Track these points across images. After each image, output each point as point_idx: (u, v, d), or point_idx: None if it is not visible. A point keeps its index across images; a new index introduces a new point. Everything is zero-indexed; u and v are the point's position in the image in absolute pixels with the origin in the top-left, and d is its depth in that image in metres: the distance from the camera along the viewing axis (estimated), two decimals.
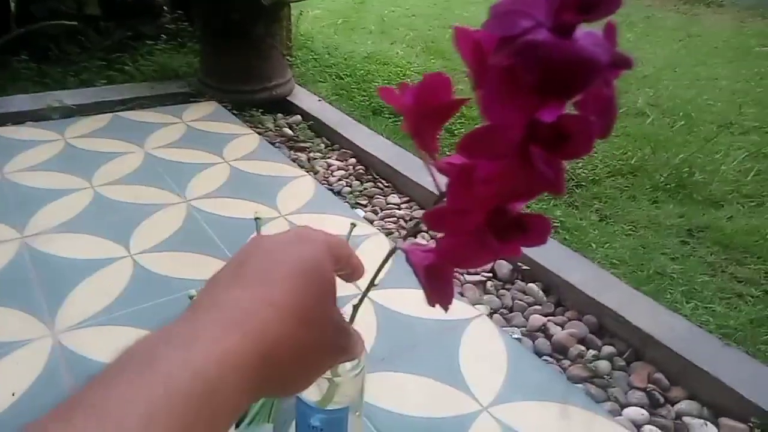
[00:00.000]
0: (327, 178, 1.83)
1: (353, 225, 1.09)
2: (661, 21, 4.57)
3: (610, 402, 1.07)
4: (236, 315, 0.27)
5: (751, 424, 1.00)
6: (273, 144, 1.92)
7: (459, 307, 1.16)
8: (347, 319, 0.36)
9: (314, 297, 0.29)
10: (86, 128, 1.82)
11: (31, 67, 2.22)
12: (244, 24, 2.05)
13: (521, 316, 1.27)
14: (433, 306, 0.31)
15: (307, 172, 1.72)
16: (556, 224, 1.62)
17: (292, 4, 2.35)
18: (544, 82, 0.20)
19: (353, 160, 1.93)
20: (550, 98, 0.21)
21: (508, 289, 1.35)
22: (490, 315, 1.25)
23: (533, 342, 1.20)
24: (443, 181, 0.26)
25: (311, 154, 1.96)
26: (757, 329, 1.27)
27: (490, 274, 1.39)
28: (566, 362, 1.16)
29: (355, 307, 0.38)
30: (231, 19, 2.01)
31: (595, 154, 2.07)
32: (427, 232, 1.55)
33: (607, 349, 1.18)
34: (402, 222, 1.60)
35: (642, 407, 1.06)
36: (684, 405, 1.07)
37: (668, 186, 1.87)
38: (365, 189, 1.76)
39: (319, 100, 2.30)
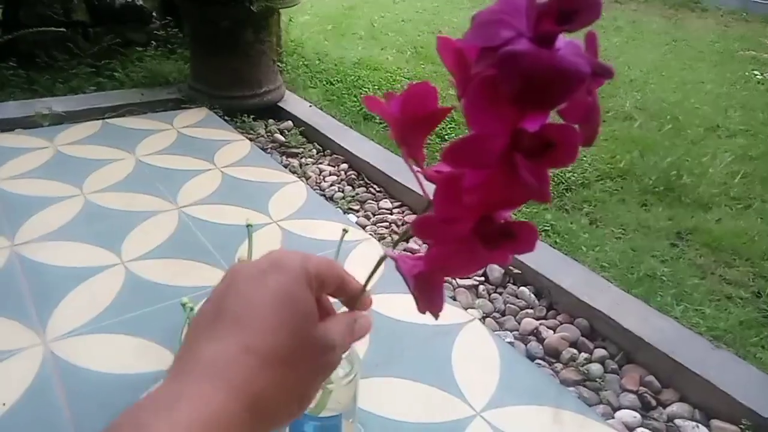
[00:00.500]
0: (319, 183, 1.83)
1: (345, 231, 1.09)
2: (647, 25, 4.63)
3: (603, 405, 1.08)
4: (218, 370, 0.27)
5: (742, 426, 1.02)
6: (264, 150, 1.92)
7: (451, 312, 1.16)
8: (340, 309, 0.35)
9: (293, 331, 0.29)
10: (76, 135, 1.81)
11: (19, 74, 2.21)
12: (233, 30, 2.05)
13: (513, 320, 1.28)
14: (424, 313, 0.31)
15: (299, 177, 1.72)
16: (546, 228, 1.63)
17: (281, 10, 2.35)
18: (525, 92, 0.20)
19: (345, 165, 1.93)
20: (532, 108, 0.21)
21: (500, 293, 1.36)
22: (483, 319, 1.26)
23: (525, 346, 1.21)
24: (431, 189, 0.26)
25: (303, 160, 1.96)
26: (747, 331, 1.28)
27: (482, 278, 1.40)
28: (558, 366, 1.17)
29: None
30: (220, 26, 2.01)
31: (584, 158, 2.09)
32: None
33: (599, 352, 1.19)
34: (394, 227, 1.60)
35: (634, 410, 1.07)
36: (675, 407, 1.08)
37: (657, 189, 1.89)
38: (357, 194, 1.76)
39: (310, 106, 2.30)
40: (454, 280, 1.38)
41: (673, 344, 1.15)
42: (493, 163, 0.22)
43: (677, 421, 1.05)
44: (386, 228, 1.60)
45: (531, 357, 1.17)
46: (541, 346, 1.21)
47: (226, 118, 2.07)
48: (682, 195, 1.87)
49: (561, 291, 1.30)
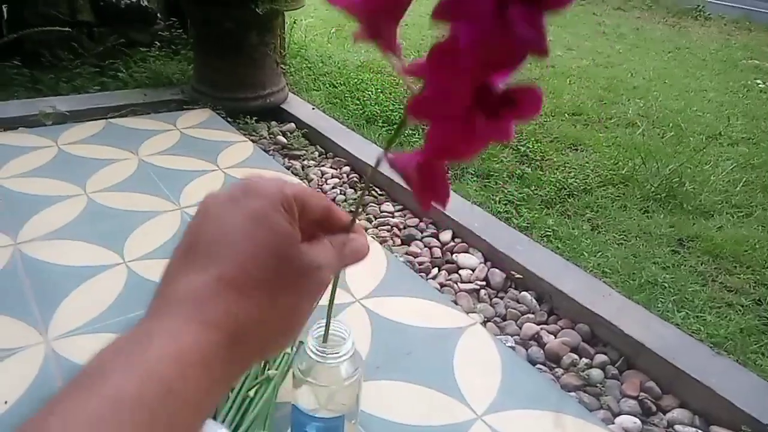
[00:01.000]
0: (321, 186, 1.83)
1: None
2: (650, 33, 4.64)
3: (603, 410, 1.08)
4: (192, 305, 0.25)
5: None
6: (267, 152, 1.93)
7: (453, 316, 1.17)
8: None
9: (270, 255, 0.27)
10: (80, 135, 1.81)
11: (23, 73, 2.22)
12: (238, 32, 2.06)
13: (515, 325, 1.28)
14: (429, 209, 0.29)
15: (301, 179, 1.73)
16: (548, 233, 1.64)
17: (285, 13, 2.36)
18: None
19: (347, 168, 1.93)
20: None
21: (501, 298, 1.36)
22: (484, 323, 1.26)
23: (527, 350, 1.21)
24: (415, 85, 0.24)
25: (305, 162, 1.96)
26: (747, 338, 1.28)
27: (484, 283, 1.40)
28: (559, 370, 1.17)
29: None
30: (225, 28, 2.02)
31: (587, 164, 2.09)
32: (421, 240, 1.55)
33: (600, 358, 1.19)
34: (396, 230, 1.60)
35: (634, 416, 1.07)
36: (676, 413, 1.08)
37: (659, 196, 1.89)
38: (359, 197, 1.76)
39: (313, 108, 2.30)
40: (455, 285, 1.38)
41: (673, 350, 1.15)
42: (485, 16, 0.21)
43: (677, 427, 1.05)
44: (388, 231, 1.60)
45: (532, 362, 1.17)
46: (542, 351, 1.21)
47: (228, 119, 2.07)
48: (683, 202, 1.87)
49: (562, 296, 1.30)
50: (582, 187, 1.93)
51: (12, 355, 0.97)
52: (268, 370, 0.76)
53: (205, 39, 2.14)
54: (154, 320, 0.25)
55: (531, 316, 1.30)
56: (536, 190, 1.87)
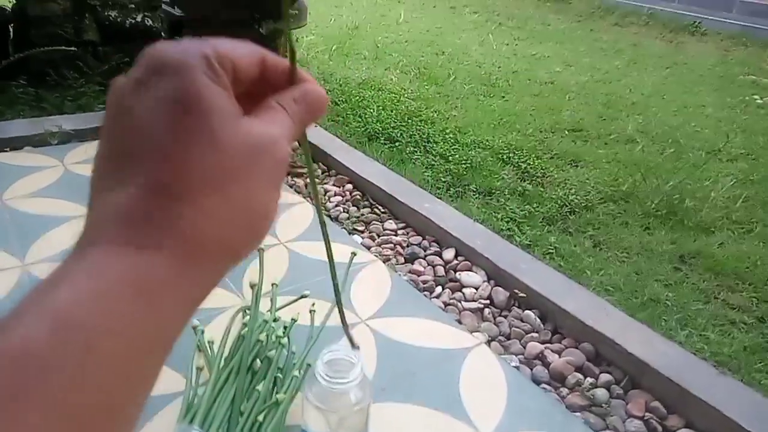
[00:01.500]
0: (324, 204, 1.84)
1: (353, 254, 1.10)
2: (648, 49, 4.69)
3: (609, 431, 1.08)
4: (123, 228, 0.20)
5: None
6: None
7: (458, 336, 1.17)
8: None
9: (206, 142, 0.21)
10: (86, 154, 1.83)
11: (28, 92, 2.24)
12: None
13: (519, 344, 1.28)
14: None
15: (304, 198, 1.74)
16: (550, 251, 1.65)
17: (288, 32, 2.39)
18: None
19: (350, 186, 1.94)
20: None
21: (505, 316, 1.36)
22: (488, 342, 1.26)
23: (531, 370, 1.21)
24: None
25: (308, 180, 1.98)
26: (751, 356, 1.29)
27: (488, 301, 1.40)
28: (564, 390, 1.17)
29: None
30: None
31: (588, 181, 2.11)
32: (424, 258, 1.56)
33: (605, 377, 1.19)
34: (399, 248, 1.61)
35: None
36: None
37: (659, 212, 1.90)
38: (362, 215, 1.77)
39: (315, 126, 2.32)
40: (459, 303, 1.39)
41: (678, 370, 1.15)
42: None
43: None
44: (391, 249, 1.61)
45: (536, 381, 1.17)
46: (546, 371, 1.21)
47: None
48: (684, 218, 1.88)
49: (566, 315, 1.31)
50: (583, 204, 1.94)
51: None
52: (277, 394, 0.77)
53: None
54: (77, 254, 0.21)
55: (535, 335, 1.30)
56: (538, 207, 1.88)
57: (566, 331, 1.31)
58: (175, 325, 0.21)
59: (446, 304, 1.39)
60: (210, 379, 0.80)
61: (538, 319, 1.34)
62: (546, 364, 1.22)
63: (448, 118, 2.60)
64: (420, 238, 1.66)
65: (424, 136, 2.36)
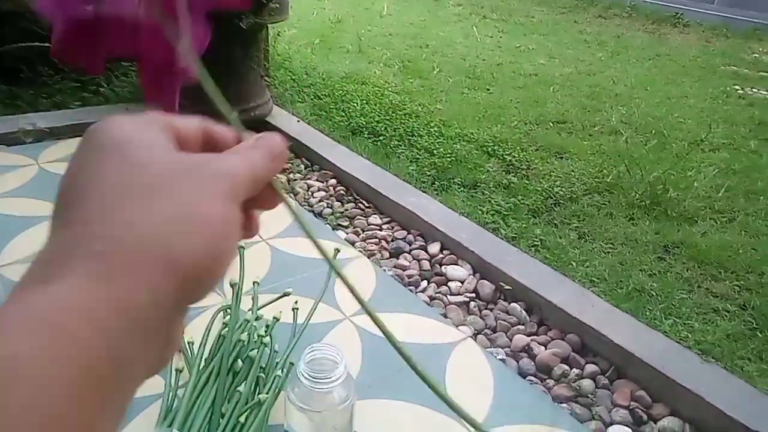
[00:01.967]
0: (307, 199, 1.82)
1: (337, 251, 1.09)
2: (631, 40, 4.71)
3: (595, 421, 1.08)
4: (35, 271, 0.20)
5: None
6: None
7: (444, 330, 1.16)
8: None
9: (113, 167, 0.22)
10: (61, 152, 1.79)
11: (1, 89, 2.18)
12: (221, 46, 2.05)
13: (505, 337, 1.28)
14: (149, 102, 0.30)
15: (287, 193, 1.72)
16: (536, 243, 1.64)
17: (269, 25, 2.35)
18: None
19: (333, 181, 1.93)
20: None
21: (491, 310, 1.36)
22: (474, 336, 1.25)
23: (517, 362, 1.21)
24: None
25: (291, 176, 1.95)
26: (734, 344, 1.30)
27: (473, 295, 1.40)
28: (550, 382, 1.17)
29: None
30: (208, 42, 2.01)
31: (572, 172, 2.11)
32: (409, 253, 1.55)
33: (590, 368, 1.19)
34: (384, 243, 1.60)
35: (626, 425, 1.07)
36: (666, 422, 1.08)
37: (643, 203, 1.91)
38: (346, 210, 1.76)
39: (298, 121, 2.30)
40: (445, 297, 1.38)
41: (663, 359, 1.15)
42: None
43: None
44: (376, 244, 1.59)
45: (523, 374, 1.17)
46: (532, 363, 1.21)
47: None
48: (668, 209, 1.89)
49: (552, 307, 1.30)
50: (568, 196, 1.94)
51: None
52: (259, 394, 0.75)
53: None
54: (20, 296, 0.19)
55: (521, 327, 1.30)
56: (523, 199, 1.88)
57: (552, 323, 1.31)
58: (109, 340, 0.19)
59: (432, 299, 1.38)
60: (189, 381, 0.78)
61: (524, 312, 1.33)
62: (532, 357, 1.22)
63: (432, 112, 2.59)
64: (405, 232, 1.65)
65: (409, 130, 2.34)
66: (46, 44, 2.10)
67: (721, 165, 2.27)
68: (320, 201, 1.81)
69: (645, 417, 1.10)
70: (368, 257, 1.44)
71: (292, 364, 0.80)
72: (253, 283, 1.00)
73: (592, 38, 4.64)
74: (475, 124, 2.48)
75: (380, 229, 1.67)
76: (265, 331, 0.89)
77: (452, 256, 1.52)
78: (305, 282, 1.17)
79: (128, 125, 0.23)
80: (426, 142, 2.24)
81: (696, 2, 6.76)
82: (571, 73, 3.47)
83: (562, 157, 2.26)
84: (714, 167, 2.22)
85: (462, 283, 1.43)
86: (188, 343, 0.91)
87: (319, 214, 1.72)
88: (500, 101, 2.85)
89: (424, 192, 1.82)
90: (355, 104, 2.54)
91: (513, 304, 1.35)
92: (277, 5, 2.10)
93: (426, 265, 1.50)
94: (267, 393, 0.76)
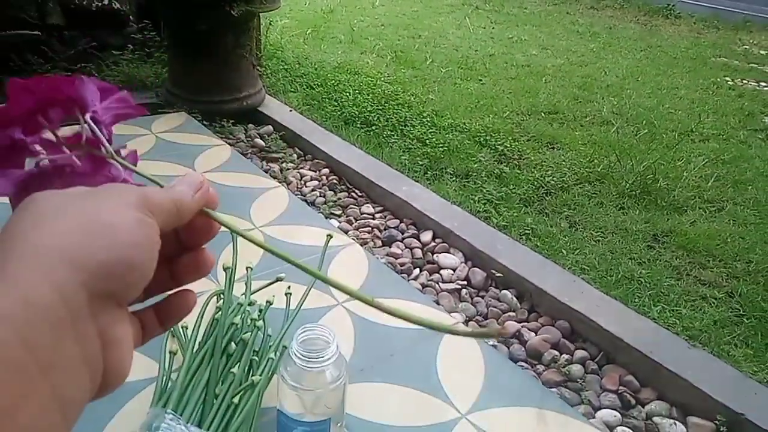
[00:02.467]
0: (300, 188, 1.82)
1: (329, 236, 1.10)
2: (623, 32, 4.72)
3: (584, 405, 1.09)
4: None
5: (717, 422, 1.04)
6: (245, 155, 1.91)
7: (435, 316, 1.17)
8: None
9: (28, 206, 0.24)
10: None
11: None
12: (213, 34, 2.04)
13: (496, 323, 1.29)
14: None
15: (280, 183, 1.72)
16: (527, 231, 1.66)
17: (261, 14, 2.34)
18: None
19: (326, 170, 1.93)
20: None
21: (482, 297, 1.37)
22: (466, 322, 1.27)
23: (508, 348, 1.22)
24: None
25: (284, 165, 1.95)
26: (721, 330, 1.32)
27: (465, 282, 1.41)
28: (540, 367, 1.18)
29: None
30: (199, 30, 2.00)
31: (564, 162, 2.12)
32: (401, 241, 1.56)
33: (580, 353, 1.21)
34: (377, 231, 1.61)
35: (614, 409, 1.09)
36: (654, 405, 1.10)
37: (633, 192, 1.93)
38: (339, 199, 1.76)
39: (291, 111, 2.29)
40: (437, 285, 1.39)
41: (651, 344, 1.17)
42: None
43: (656, 419, 1.08)
44: (368, 233, 1.60)
45: (514, 359, 1.18)
46: (523, 349, 1.22)
47: (205, 122, 2.05)
48: (658, 198, 1.91)
49: (542, 294, 1.32)
50: (559, 185, 1.95)
51: None
52: (253, 375, 0.76)
53: (179, 41, 2.12)
54: None
55: (512, 314, 1.32)
56: (514, 188, 1.89)
57: (542, 309, 1.32)
58: (14, 326, 0.20)
59: (424, 286, 1.39)
60: (183, 363, 0.79)
61: (515, 299, 1.35)
62: (523, 342, 1.24)
63: (425, 102, 2.59)
64: (397, 221, 1.65)
65: (401, 120, 2.34)
66: (36, 33, 2.09)
67: (710, 155, 2.29)
68: (313, 190, 1.81)
69: (633, 401, 1.12)
70: (361, 245, 1.45)
71: (285, 347, 0.81)
72: (247, 268, 1.01)
73: (584, 29, 4.64)
74: (467, 114, 2.49)
75: (373, 218, 1.67)
76: (259, 315, 0.90)
77: (444, 244, 1.53)
78: (297, 268, 1.17)
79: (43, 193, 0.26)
80: (418, 131, 2.25)
81: None
82: (562, 64, 3.48)
83: (553, 147, 2.28)
84: (703, 157, 2.25)
85: (454, 270, 1.44)
86: (182, 327, 0.91)
87: (312, 204, 1.72)
88: (492, 92, 2.85)
89: (417, 181, 1.83)
90: (347, 94, 2.54)
91: (504, 291, 1.37)
92: None
93: (418, 253, 1.51)
94: (260, 375, 0.77)
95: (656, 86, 3.20)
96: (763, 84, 3.51)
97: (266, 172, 1.81)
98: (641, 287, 1.44)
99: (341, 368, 0.67)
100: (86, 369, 0.22)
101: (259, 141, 2.06)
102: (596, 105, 2.79)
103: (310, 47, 3.34)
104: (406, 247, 1.54)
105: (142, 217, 0.25)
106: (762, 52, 4.49)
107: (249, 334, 0.85)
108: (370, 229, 1.62)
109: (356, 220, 1.66)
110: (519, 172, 2.02)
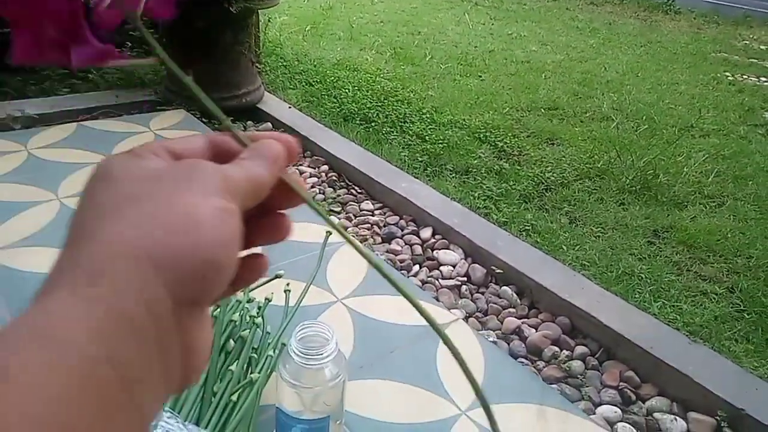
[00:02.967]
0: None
1: (328, 233, 1.09)
2: (623, 27, 4.71)
3: (584, 401, 1.09)
4: (39, 292, 0.20)
5: (717, 418, 1.04)
6: None
7: (435, 312, 1.17)
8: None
9: (101, 187, 0.23)
10: (50, 138, 1.77)
11: None
12: (212, 31, 2.03)
13: (496, 319, 1.29)
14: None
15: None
16: (527, 227, 1.65)
17: (259, 11, 2.33)
18: None
19: (326, 167, 1.92)
20: None
21: (482, 293, 1.37)
22: (466, 319, 1.26)
23: (508, 344, 1.22)
24: None
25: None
26: (721, 325, 1.31)
27: (465, 278, 1.40)
28: (541, 363, 1.18)
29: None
30: (198, 27, 1.99)
31: (564, 158, 2.12)
32: (401, 238, 1.56)
33: (580, 349, 1.21)
34: (376, 228, 1.60)
35: (615, 405, 1.09)
36: (654, 401, 1.10)
37: (634, 188, 1.92)
38: (339, 196, 1.76)
39: (290, 107, 2.29)
40: (437, 281, 1.39)
41: (651, 340, 1.17)
42: None
43: (656, 415, 1.07)
44: (368, 229, 1.60)
45: (514, 355, 1.18)
46: (523, 345, 1.22)
47: (203, 120, 2.04)
48: (658, 194, 1.90)
49: (542, 290, 1.32)
50: (559, 181, 1.95)
51: None
52: (251, 373, 0.76)
53: (178, 38, 2.11)
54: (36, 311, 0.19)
55: (512, 310, 1.31)
56: (514, 184, 1.89)
57: (543, 305, 1.32)
58: (100, 341, 0.18)
59: (424, 282, 1.39)
60: None
61: (515, 295, 1.34)
62: (523, 339, 1.23)
63: (424, 98, 2.58)
64: (397, 217, 1.65)
65: (401, 116, 2.34)
66: None
67: (710, 150, 2.28)
68: (312, 187, 1.81)
69: (633, 397, 1.11)
70: (361, 242, 1.44)
71: (284, 344, 0.81)
72: None
73: (584, 25, 4.63)
74: (467, 111, 2.48)
75: (372, 215, 1.67)
76: (257, 312, 0.90)
77: (444, 240, 1.53)
78: (297, 266, 1.17)
79: (117, 157, 0.23)
80: (418, 128, 2.24)
81: None
82: (562, 60, 3.47)
83: (553, 143, 2.27)
84: (704, 153, 2.24)
85: (454, 267, 1.44)
86: None
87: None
88: (492, 88, 2.84)
89: (416, 178, 1.82)
90: (346, 91, 2.53)
91: (504, 288, 1.36)
92: None
93: (418, 249, 1.51)
94: (259, 373, 0.77)
95: (656, 82, 3.19)
96: (764, 79, 3.50)
97: None
98: (642, 283, 1.44)
99: (340, 365, 0.67)
100: (165, 379, 0.21)
101: None
102: (596, 101, 2.78)
103: (309, 44, 3.33)
104: (406, 244, 1.53)
105: (226, 205, 0.22)
106: (762, 47, 4.48)
107: (248, 331, 0.85)
108: (369, 225, 1.61)
109: (356, 216, 1.66)
110: (519, 168, 2.01)
